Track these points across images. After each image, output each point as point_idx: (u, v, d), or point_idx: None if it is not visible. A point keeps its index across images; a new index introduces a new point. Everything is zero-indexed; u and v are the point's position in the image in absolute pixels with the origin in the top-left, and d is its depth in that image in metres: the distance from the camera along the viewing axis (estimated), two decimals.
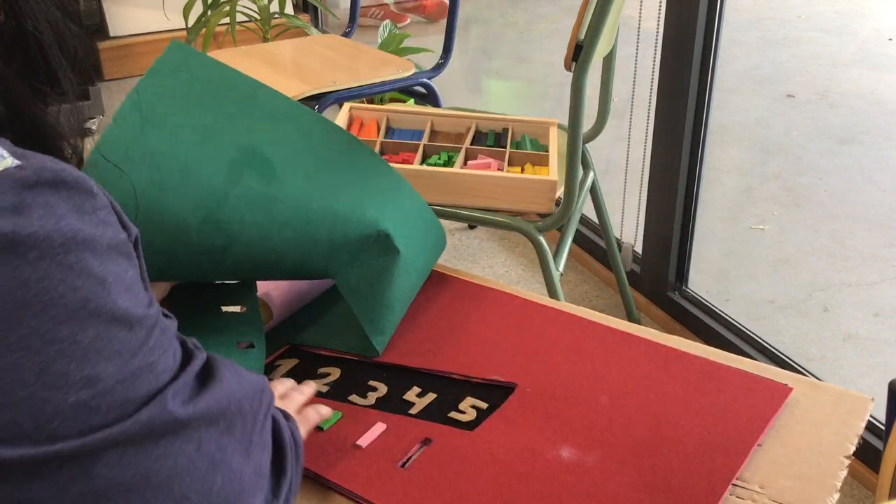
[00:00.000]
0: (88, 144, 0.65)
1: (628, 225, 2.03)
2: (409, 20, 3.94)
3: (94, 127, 2.83)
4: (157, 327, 0.52)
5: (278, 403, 0.80)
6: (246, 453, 0.56)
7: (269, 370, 0.95)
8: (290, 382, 0.88)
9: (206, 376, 0.55)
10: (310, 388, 0.87)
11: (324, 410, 0.85)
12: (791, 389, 0.89)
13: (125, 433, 0.48)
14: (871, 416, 1.17)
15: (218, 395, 0.54)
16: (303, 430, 0.78)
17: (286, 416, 0.68)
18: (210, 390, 0.54)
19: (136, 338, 0.50)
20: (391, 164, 1.15)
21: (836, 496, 0.76)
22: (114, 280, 0.49)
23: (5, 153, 0.48)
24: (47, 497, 0.47)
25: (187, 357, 0.55)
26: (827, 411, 0.86)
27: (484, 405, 0.89)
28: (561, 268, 1.51)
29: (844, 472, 0.79)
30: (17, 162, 0.48)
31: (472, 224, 2.32)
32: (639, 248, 2.02)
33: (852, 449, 0.82)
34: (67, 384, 0.47)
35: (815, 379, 0.91)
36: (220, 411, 0.54)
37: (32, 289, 0.46)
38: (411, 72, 2.05)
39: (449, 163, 1.40)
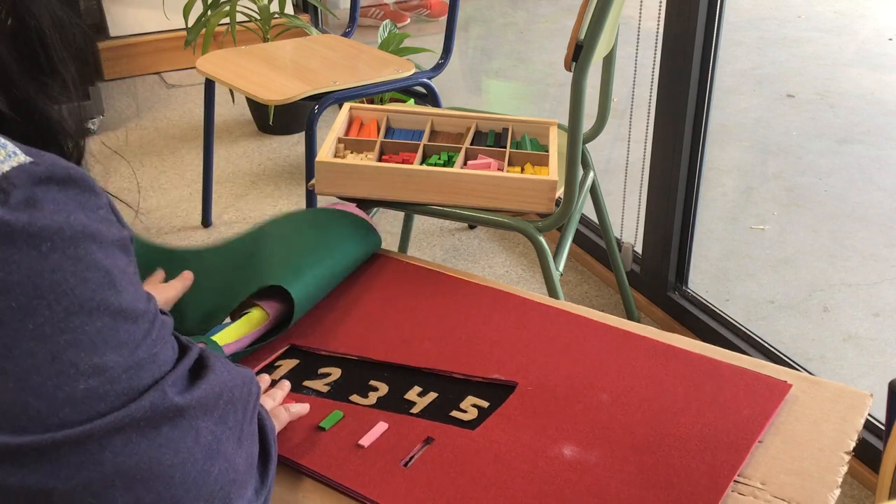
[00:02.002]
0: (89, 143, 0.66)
1: (628, 225, 2.03)
2: (409, 20, 3.94)
3: (94, 127, 2.83)
4: (157, 321, 0.54)
5: None
6: (238, 443, 0.58)
7: (270, 370, 0.96)
8: (262, 385, 0.89)
9: (200, 367, 0.58)
10: (282, 391, 0.88)
11: (294, 409, 0.85)
12: (790, 386, 0.89)
13: (129, 416, 0.50)
14: (870, 415, 1.16)
15: (212, 382, 0.57)
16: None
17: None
18: (204, 379, 0.56)
19: (139, 330, 0.52)
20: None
21: (837, 492, 0.76)
22: (118, 274, 0.51)
23: (18, 150, 0.50)
24: (58, 484, 0.48)
25: (182, 351, 0.57)
26: (826, 407, 0.87)
27: (485, 404, 0.89)
28: (561, 268, 1.51)
29: (845, 468, 0.79)
30: (30, 158, 0.50)
31: (472, 224, 2.32)
32: (639, 248, 2.02)
33: (852, 444, 0.82)
34: (78, 372, 0.49)
35: (813, 375, 0.92)
36: (214, 397, 0.56)
37: (46, 279, 0.48)
38: (411, 72, 2.05)
39: (449, 163, 1.40)
